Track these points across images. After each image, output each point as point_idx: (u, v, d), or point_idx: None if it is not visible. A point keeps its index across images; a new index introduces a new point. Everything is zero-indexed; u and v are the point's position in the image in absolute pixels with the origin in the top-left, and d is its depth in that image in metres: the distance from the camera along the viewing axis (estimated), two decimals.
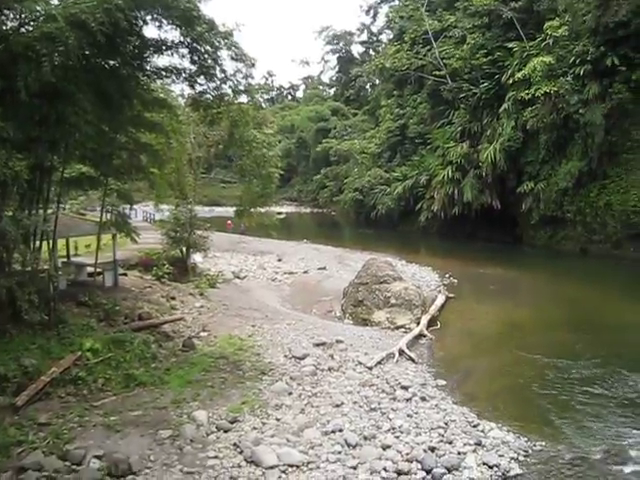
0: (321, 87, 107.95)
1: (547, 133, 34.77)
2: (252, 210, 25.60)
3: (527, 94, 34.57)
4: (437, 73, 45.07)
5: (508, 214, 37.91)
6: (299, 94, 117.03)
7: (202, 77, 14.04)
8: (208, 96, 14.78)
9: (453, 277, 25.60)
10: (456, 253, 31.80)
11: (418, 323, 18.15)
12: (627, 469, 10.03)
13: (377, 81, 75.51)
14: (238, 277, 25.25)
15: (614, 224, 32.45)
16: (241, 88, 15.01)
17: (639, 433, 11.36)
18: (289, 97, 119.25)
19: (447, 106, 44.77)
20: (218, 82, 14.19)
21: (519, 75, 35.57)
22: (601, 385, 13.79)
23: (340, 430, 10.91)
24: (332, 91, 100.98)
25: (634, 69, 30.82)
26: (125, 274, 19.53)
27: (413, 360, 15.27)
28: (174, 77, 14.37)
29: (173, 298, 18.43)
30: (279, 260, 30.10)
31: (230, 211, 29.30)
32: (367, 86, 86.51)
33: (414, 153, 48.49)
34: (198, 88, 14.47)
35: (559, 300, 22.38)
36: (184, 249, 22.55)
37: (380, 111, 59.57)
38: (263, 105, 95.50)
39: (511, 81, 36.57)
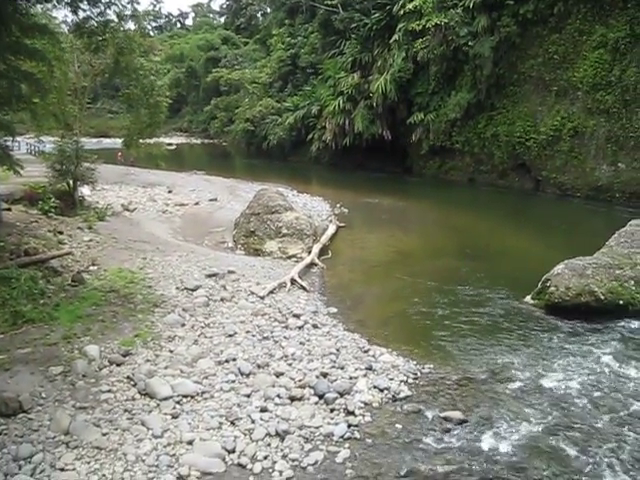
0: (211, 15, 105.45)
1: (437, 65, 35.13)
2: (140, 141, 24.93)
3: (418, 25, 34.69)
4: (329, 2, 44.61)
5: (398, 145, 38.38)
6: (189, 22, 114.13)
7: (85, 2, 13.40)
8: (92, 22, 14.13)
9: (344, 207, 25.84)
10: (347, 183, 32.06)
11: (310, 252, 18.27)
12: (510, 387, 10.49)
13: (268, 9, 74.27)
14: (128, 210, 24.70)
15: (500, 155, 33.38)
16: (127, 14, 14.44)
17: (521, 353, 11.92)
18: (178, 25, 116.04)
19: (339, 36, 44.50)
20: (102, 7, 13.60)
21: (410, 6, 35.59)
22: (486, 308, 14.33)
23: (233, 359, 10.96)
24: (222, 19, 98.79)
25: (522, 3, 31.40)
26: (9, 209, 18.76)
27: (305, 289, 15.41)
28: (55, 1, 13.66)
29: (60, 232, 17.82)
30: (170, 192, 29.61)
31: (119, 142, 28.52)
32: (258, 14, 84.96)
33: (305, 83, 48.20)
34: (81, 14, 13.80)
35: (447, 228, 23.00)
36: (71, 182, 21.82)
37: (271, 40, 58.70)
38: (151, 33, 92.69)
39: (402, 12, 36.55)
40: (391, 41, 38.09)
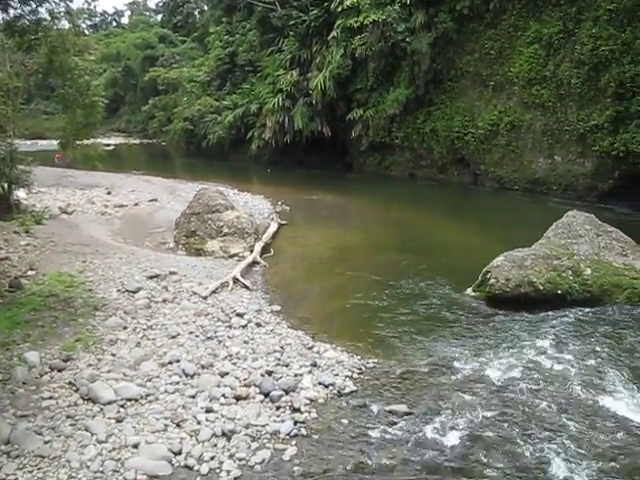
0: (147, 13, 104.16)
1: (375, 61, 35.29)
2: (77, 142, 24.52)
3: (356, 22, 34.81)
4: (266, 0, 44.45)
5: (338, 141, 38.49)
6: (124, 20, 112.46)
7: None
8: (24, 21, 13.81)
9: (285, 204, 25.82)
10: (288, 181, 32.07)
11: (252, 251, 18.21)
12: (453, 378, 10.65)
13: (205, 7, 73.69)
14: (66, 212, 24.23)
15: (439, 149, 33.74)
16: (60, 12, 14.15)
17: (464, 344, 12.09)
18: (114, 23, 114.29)
19: (277, 33, 44.36)
20: (34, 5, 13.28)
21: (348, 3, 35.69)
22: (428, 301, 14.49)
23: (177, 361, 10.84)
24: (159, 17, 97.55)
25: None
26: None
27: (248, 287, 15.35)
28: None
29: None
30: (108, 193, 29.16)
31: (55, 144, 27.96)
32: (195, 12, 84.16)
33: (244, 81, 47.94)
34: (12, 12, 13.47)
35: (388, 223, 23.16)
36: (5, 185, 21.33)
37: (209, 38, 58.19)
38: (86, 31, 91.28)
39: (340, 9, 36.63)
40: (329, 38, 38.10)
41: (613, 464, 8.35)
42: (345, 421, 9.25)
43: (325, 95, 37.12)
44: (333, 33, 37.44)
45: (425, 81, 33.74)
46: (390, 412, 9.48)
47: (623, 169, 27.05)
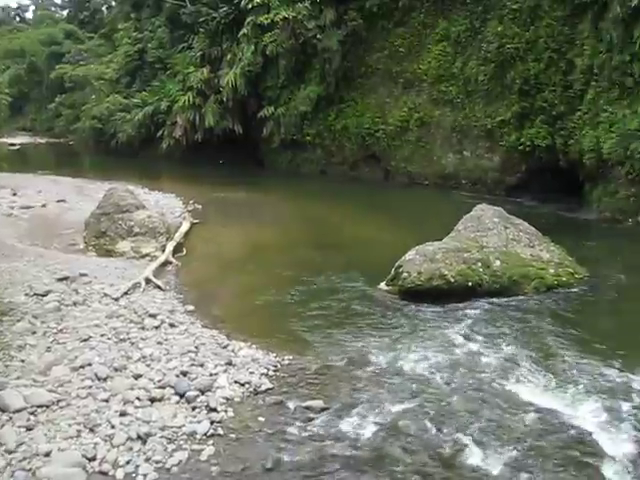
0: (53, 8, 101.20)
1: (286, 58, 35.25)
2: None
3: (266, 19, 34.63)
4: None
5: (250, 139, 38.30)
6: (29, 15, 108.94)
7: None
8: None
9: (197, 203, 25.52)
10: (200, 179, 31.68)
11: (164, 250, 17.94)
12: (368, 372, 10.76)
13: (113, 3, 72.21)
14: None
15: (351, 146, 33.98)
16: None
17: (378, 338, 12.23)
18: (17, 19, 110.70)
19: (187, 30, 43.75)
20: None
21: (258, 0, 35.51)
22: (342, 296, 14.60)
23: (89, 364, 10.55)
24: (65, 13, 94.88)
25: None
26: None
27: (160, 288, 15.11)
28: None
29: None
30: (14, 194, 28.21)
31: None
32: (103, 8, 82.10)
33: (154, 78, 47.11)
34: None
35: (301, 220, 23.20)
36: None
37: (117, 35, 57.02)
38: None
39: (250, 6, 36.35)
40: (240, 35, 37.82)
41: (526, 449, 8.57)
42: (262, 419, 9.22)
43: (236, 92, 36.89)
44: (243, 30, 37.20)
45: (336, 78, 33.92)
46: (307, 408, 9.50)
47: (529, 163, 27.92)
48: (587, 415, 9.50)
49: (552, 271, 15.61)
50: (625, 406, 9.80)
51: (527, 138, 27.11)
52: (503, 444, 8.68)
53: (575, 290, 15.35)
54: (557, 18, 26.32)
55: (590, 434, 9.00)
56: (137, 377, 10.26)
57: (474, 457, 8.39)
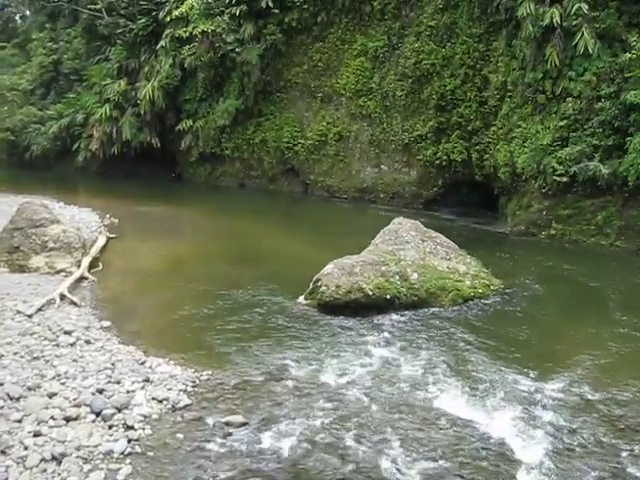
0: None
1: (205, 71, 35.07)
2: None
3: (185, 32, 34.36)
4: (92, 7, 43.09)
5: (168, 152, 37.92)
6: None
7: None
8: None
9: (114, 217, 25.06)
10: (117, 193, 31.15)
11: (79, 266, 17.55)
12: (288, 386, 10.75)
13: (28, 12, 70.57)
14: None
15: (270, 160, 33.99)
16: None
17: (297, 352, 12.22)
18: None
19: (104, 41, 43.02)
20: None
21: (176, 13, 35.17)
22: (261, 311, 14.56)
23: (1, 384, 10.22)
24: None
25: (287, 12, 32.10)
26: None
27: (76, 304, 14.76)
28: None
29: None
30: None
31: None
32: (17, 17, 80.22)
33: (70, 90, 46.14)
34: None
35: (220, 234, 23.05)
36: None
37: (32, 45, 55.66)
38: None
39: (169, 18, 36.03)
40: (158, 47, 37.43)
41: (443, 462, 8.70)
42: (181, 436, 9.10)
43: (154, 105, 36.47)
44: (162, 42, 36.84)
45: (255, 92, 33.92)
46: (226, 423, 9.42)
47: (446, 177, 28.50)
48: (502, 424, 9.72)
49: (468, 283, 15.93)
50: (539, 414, 10.09)
51: (443, 152, 27.67)
52: (421, 455, 8.80)
53: (491, 301, 15.72)
54: (473, 35, 26.95)
55: (505, 442, 9.22)
56: (52, 396, 9.99)
57: (393, 469, 8.47)
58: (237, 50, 33.01)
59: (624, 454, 9.04)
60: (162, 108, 36.73)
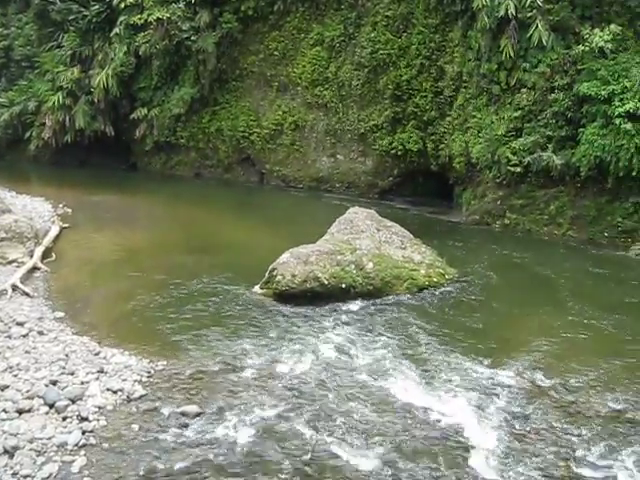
0: None
1: (160, 59, 34.65)
2: None
3: (139, 19, 33.90)
4: None
5: (123, 141, 37.47)
6: None
7: None
8: None
9: (67, 206, 24.69)
10: (70, 182, 30.73)
11: (32, 256, 17.31)
12: (243, 376, 10.81)
13: None
14: None
15: (225, 149, 33.74)
16: None
17: (253, 341, 12.24)
18: None
19: (56, 28, 42.22)
20: None
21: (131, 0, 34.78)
22: (216, 300, 14.55)
23: None
24: None
25: (243, 0, 31.90)
26: None
27: (28, 294, 14.55)
28: None
29: None
30: None
31: None
32: None
33: (21, 77, 45.26)
34: None
35: (176, 224, 22.88)
36: None
37: None
38: None
39: (123, 5, 35.49)
40: (112, 34, 36.83)
41: (398, 448, 8.82)
42: (136, 426, 9.07)
43: (108, 93, 35.95)
44: (116, 30, 36.30)
45: (210, 80, 33.63)
46: (181, 414, 9.42)
47: (401, 167, 28.61)
48: (457, 410, 9.88)
49: (423, 272, 16.08)
50: (493, 400, 10.27)
51: (399, 142, 27.76)
52: (376, 441, 8.92)
53: (445, 290, 15.90)
54: (429, 26, 27.02)
55: (459, 428, 9.37)
56: (3, 388, 9.87)
57: (348, 456, 8.56)
58: (193, 38, 32.71)
59: (575, 439, 9.25)
60: (116, 96, 36.24)
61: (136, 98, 36.53)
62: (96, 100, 36.53)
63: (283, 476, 8.10)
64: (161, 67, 34.98)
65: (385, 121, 28.20)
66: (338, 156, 30.36)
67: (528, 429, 9.45)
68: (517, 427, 9.50)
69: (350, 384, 10.63)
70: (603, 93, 20.58)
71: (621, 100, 20.32)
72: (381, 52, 28.02)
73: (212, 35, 32.30)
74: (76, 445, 8.54)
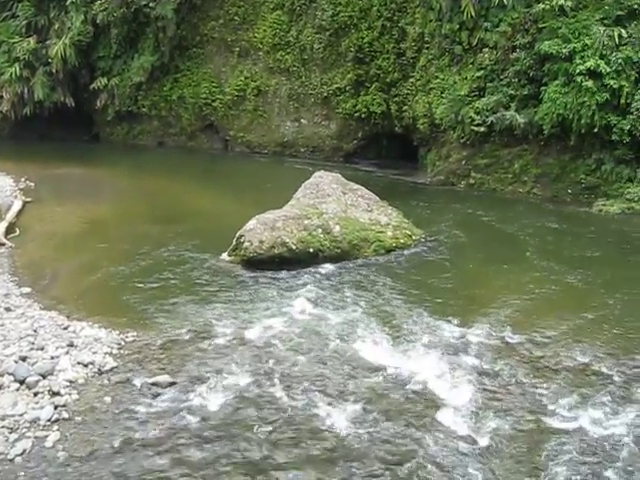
0: None
1: (118, 27, 34.06)
2: None
3: None
4: None
5: (84, 112, 36.92)
6: None
7: None
8: None
9: (30, 180, 24.32)
10: (31, 155, 30.23)
11: None
12: (215, 343, 10.84)
13: None
14: None
15: (188, 117, 33.42)
16: None
17: (223, 309, 12.27)
18: None
19: None
20: None
21: None
22: (184, 269, 14.54)
23: None
24: None
25: None
26: None
27: None
28: None
29: None
30: None
31: None
32: None
33: None
34: None
35: (141, 193, 22.67)
36: None
37: None
38: None
39: None
40: (68, 3, 36.02)
41: (370, 408, 8.93)
42: (108, 399, 9.06)
43: (66, 64, 35.29)
44: None
45: (170, 47, 33.20)
46: (153, 384, 9.41)
47: (365, 130, 28.60)
48: (427, 370, 10.00)
49: (390, 234, 16.17)
50: (462, 359, 10.43)
51: (363, 105, 27.70)
52: (348, 402, 9.03)
53: (413, 251, 16.05)
54: None
55: (430, 387, 9.51)
56: None
57: (322, 418, 8.65)
58: (151, 5, 32.17)
59: (543, 392, 9.42)
60: (75, 66, 35.59)
61: (96, 68, 35.93)
62: (54, 71, 35.83)
63: (258, 441, 8.16)
64: (120, 35, 34.40)
65: (348, 84, 28.11)
66: (302, 120, 30.25)
67: (497, 385, 9.60)
68: (487, 383, 9.65)
69: (321, 346, 10.71)
70: (564, 51, 20.67)
71: (582, 58, 20.43)
72: (342, 14, 27.82)
73: (171, 1, 31.78)
74: (49, 420, 8.51)
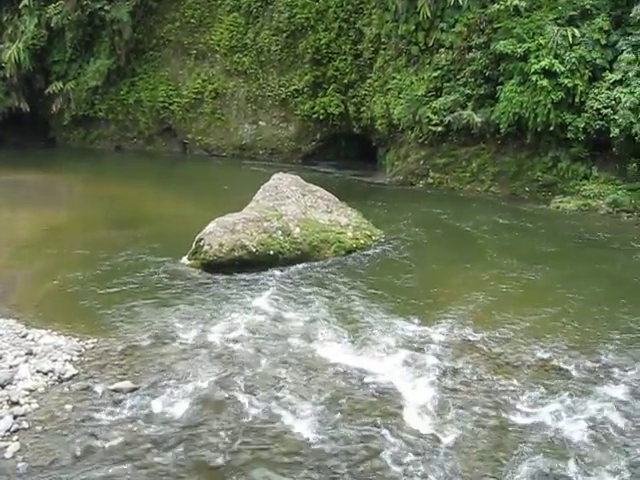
0: None
1: (73, 31, 33.72)
2: None
3: None
4: None
5: (40, 116, 36.48)
6: None
7: None
8: None
9: None
10: None
11: None
12: (176, 348, 10.75)
13: None
14: None
15: (145, 120, 33.27)
16: None
17: (183, 313, 12.21)
18: None
19: None
20: None
21: None
22: (144, 273, 14.38)
23: None
24: None
25: None
26: None
27: None
28: None
29: None
30: None
31: None
32: None
33: None
34: None
35: (99, 199, 22.43)
36: None
37: None
38: None
39: None
40: (21, 6, 35.63)
41: (334, 409, 8.92)
42: (69, 407, 8.94)
43: (20, 68, 34.87)
44: (25, 1, 35.11)
45: (127, 51, 32.99)
46: (115, 391, 9.31)
47: (324, 131, 28.74)
48: (389, 369, 10.05)
49: (350, 235, 16.24)
50: (424, 357, 10.49)
51: (321, 106, 27.83)
52: (312, 404, 9.01)
53: (373, 251, 16.13)
54: None
55: (392, 386, 9.54)
56: None
57: (285, 421, 8.63)
58: (106, 8, 31.93)
59: (504, 389, 9.52)
60: (29, 70, 35.15)
61: (50, 72, 35.55)
62: (8, 75, 35.34)
63: (221, 445, 8.12)
64: (75, 39, 34.06)
65: (306, 85, 28.22)
66: (260, 123, 30.29)
67: (459, 383, 9.68)
68: (448, 381, 9.72)
69: (283, 349, 10.69)
70: (519, 51, 20.98)
71: (537, 57, 20.78)
72: (299, 16, 27.94)
73: (126, 4, 31.60)
74: (8, 431, 8.37)
